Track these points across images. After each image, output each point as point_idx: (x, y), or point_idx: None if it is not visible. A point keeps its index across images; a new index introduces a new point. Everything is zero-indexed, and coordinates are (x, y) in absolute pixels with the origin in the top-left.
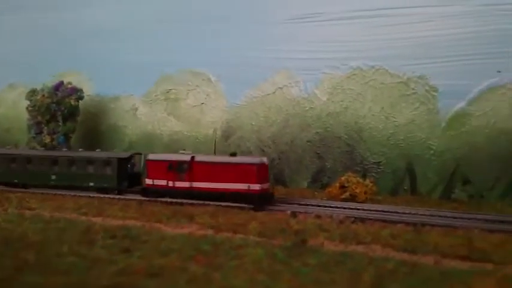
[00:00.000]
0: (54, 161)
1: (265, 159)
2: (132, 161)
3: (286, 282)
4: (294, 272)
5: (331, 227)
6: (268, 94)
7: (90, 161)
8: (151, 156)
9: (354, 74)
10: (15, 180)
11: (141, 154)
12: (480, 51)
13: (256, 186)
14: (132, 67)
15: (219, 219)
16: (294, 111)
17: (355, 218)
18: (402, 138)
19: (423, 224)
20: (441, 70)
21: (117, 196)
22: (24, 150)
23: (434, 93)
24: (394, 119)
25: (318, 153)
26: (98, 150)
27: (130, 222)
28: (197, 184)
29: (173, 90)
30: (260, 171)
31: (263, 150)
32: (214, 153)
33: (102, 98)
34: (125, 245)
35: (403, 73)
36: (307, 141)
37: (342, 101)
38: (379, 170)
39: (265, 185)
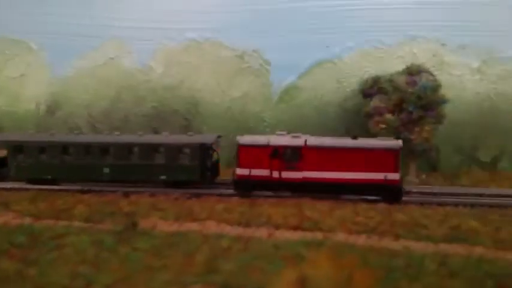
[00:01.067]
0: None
1: (401, 143)
2: (214, 146)
3: (112, 272)
4: (122, 259)
5: (166, 205)
6: (99, 65)
7: (157, 148)
8: (245, 140)
9: (190, 46)
10: (48, 176)
11: (220, 137)
12: (309, 27)
13: (395, 176)
14: None
15: (39, 205)
16: (127, 84)
17: (191, 194)
18: (238, 111)
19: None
20: (274, 44)
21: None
22: (60, 136)
23: (267, 67)
24: (230, 93)
25: (155, 128)
26: (165, 133)
27: None
28: (311, 174)
29: None
30: (398, 157)
31: (95, 127)
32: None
33: None
34: None
35: (238, 46)
36: (143, 116)
37: (178, 74)
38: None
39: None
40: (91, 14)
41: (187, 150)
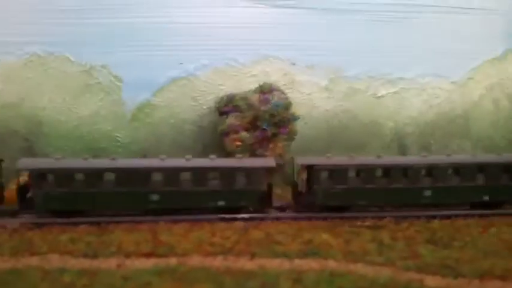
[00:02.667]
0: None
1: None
2: None
3: None
4: None
5: (2, 238)
6: None
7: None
8: None
9: (31, 61)
10: (80, 207)
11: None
12: (162, 43)
13: None
14: None
15: None
16: None
17: (32, 224)
18: (87, 130)
19: (107, 222)
20: (125, 60)
21: None
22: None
23: (118, 84)
24: (78, 111)
25: None
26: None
27: None
28: None
29: None
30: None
31: None
32: None
33: None
34: None
35: (85, 61)
36: None
37: (18, 91)
38: None
39: None
40: None
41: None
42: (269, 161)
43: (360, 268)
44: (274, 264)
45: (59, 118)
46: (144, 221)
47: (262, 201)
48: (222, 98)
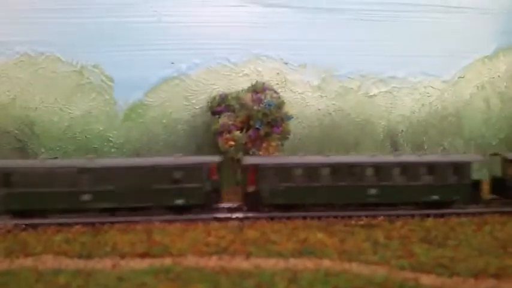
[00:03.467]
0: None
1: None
2: None
3: None
4: None
5: None
6: None
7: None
8: None
9: (22, 61)
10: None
11: None
12: (153, 43)
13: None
14: None
15: None
16: None
17: (26, 224)
18: (79, 131)
19: (102, 222)
20: (116, 60)
21: None
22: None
23: (110, 83)
24: (70, 111)
25: None
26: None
27: None
28: None
29: None
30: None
31: None
32: None
33: None
34: None
35: (76, 61)
36: None
37: (9, 91)
38: None
39: None
40: None
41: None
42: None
43: (354, 267)
44: (269, 263)
45: (51, 118)
46: (138, 221)
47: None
48: (214, 98)
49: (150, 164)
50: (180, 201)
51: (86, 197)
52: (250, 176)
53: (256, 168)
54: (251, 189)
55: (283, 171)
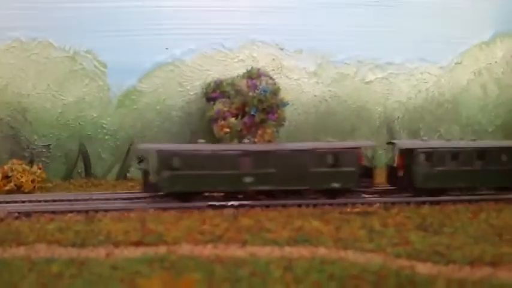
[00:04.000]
0: None
1: None
2: None
3: None
4: None
5: None
6: None
7: None
8: None
9: (13, 47)
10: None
11: None
12: (146, 28)
13: None
14: None
15: None
16: None
17: (19, 213)
18: (72, 117)
19: (96, 210)
20: (109, 45)
21: None
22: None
23: (103, 69)
24: (63, 97)
25: None
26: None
27: None
28: None
29: None
30: None
31: None
32: None
33: None
34: None
35: (69, 47)
36: None
37: (1, 78)
38: (49, 154)
39: None
40: None
41: None
42: None
43: (350, 255)
44: (264, 251)
45: (44, 105)
46: (133, 209)
47: None
48: (209, 84)
49: (309, 148)
50: (336, 185)
51: (248, 179)
52: (401, 160)
53: (409, 152)
54: (401, 173)
55: (437, 155)
